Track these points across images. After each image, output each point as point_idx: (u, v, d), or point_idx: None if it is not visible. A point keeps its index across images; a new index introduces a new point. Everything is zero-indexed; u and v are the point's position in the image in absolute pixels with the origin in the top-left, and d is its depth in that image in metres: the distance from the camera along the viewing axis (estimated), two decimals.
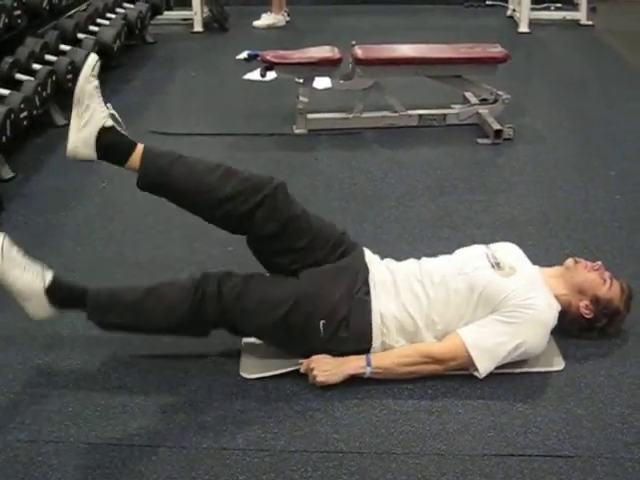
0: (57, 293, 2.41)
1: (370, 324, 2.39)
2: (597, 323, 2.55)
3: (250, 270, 2.52)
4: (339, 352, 2.39)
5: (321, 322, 2.36)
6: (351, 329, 2.38)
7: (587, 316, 2.53)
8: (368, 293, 2.43)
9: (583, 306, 2.52)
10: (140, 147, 2.42)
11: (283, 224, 2.40)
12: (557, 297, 2.49)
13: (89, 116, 2.36)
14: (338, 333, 2.38)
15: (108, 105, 2.41)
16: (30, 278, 2.37)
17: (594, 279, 2.54)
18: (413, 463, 2.11)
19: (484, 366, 2.37)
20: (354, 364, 2.38)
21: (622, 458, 2.12)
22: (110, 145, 2.39)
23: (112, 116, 2.40)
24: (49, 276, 2.41)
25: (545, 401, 2.34)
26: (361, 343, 2.40)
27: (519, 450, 2.15)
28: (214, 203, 2.40)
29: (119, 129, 2.40)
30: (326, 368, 2.37)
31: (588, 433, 2.21)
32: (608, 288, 2.53)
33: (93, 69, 2.37)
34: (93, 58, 2.39)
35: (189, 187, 2.42)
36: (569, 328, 2.56)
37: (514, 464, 2.10)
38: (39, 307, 2.41)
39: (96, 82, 2.38)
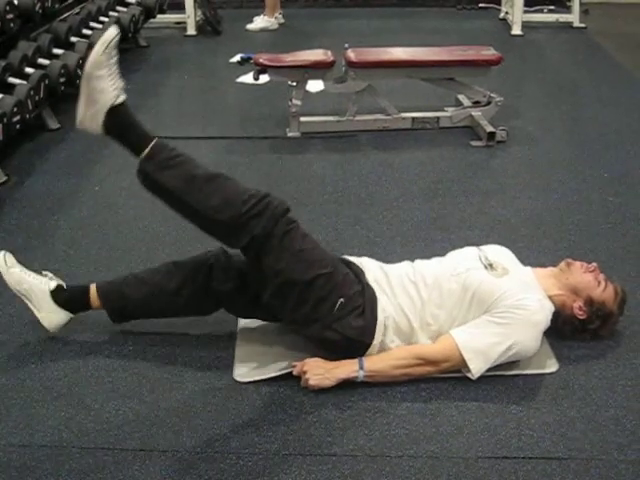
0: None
1: (376, 320, 2.40)
2: (590, 325, 2.56)
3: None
4: (342, 335, 2.36)
5: (340, 299, 2.36)
6: (362, 318, 2.38)
7: (580, 317, 2.54)
8: (375, 292, 2.44)
9: (577, 307, 2.53)
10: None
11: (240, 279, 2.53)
12: (551, 298, 2.49)
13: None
14: (349, 317, 2.37)
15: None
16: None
17: (589, 281, 2.55)
18: (407, 466, 2.11)
19: (477, 367, 2.37)
20: (347, 368, 2.38)
21: (616, 460, 2.12)
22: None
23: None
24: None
25: (539, 403, 2.34)
26: (365, 335, 2.39)
27: (513, 452, 2.15)
28: (172, 298, 2.57)
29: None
30: (318, 372, 2.37)
31: (582, 435, 2.21)
32: (602, 290, 2.54)
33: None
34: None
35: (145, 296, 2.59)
36: (562, 329, 2.56)
37: (508, 466, 2.10)
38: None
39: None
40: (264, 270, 2.37)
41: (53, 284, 2.60)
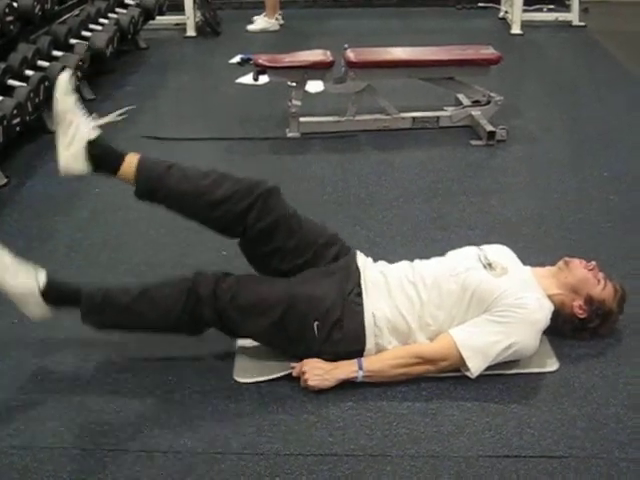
0: (51, 292, 2.45)
1: (363, 325, 2.40)
2: (590, 323, 2.55)
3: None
4: (334, 353, 2.39)
5: (315, 323, 2.37)
6: (344, 330, 2.38)
7: (580, 316, 2.54)
8: (360, 295, 2.43)
9: (577, 306, 2.53)
10: (131, 158, 2.44)
11: (274, 223, 2.42)
12: (550, 297, 2.49)
13: (74, 132, 2.39)
14: (332, 334, 2.38)
15: (93, 116, 2.44)
16: (24, 280, 2.42)
17: (588, 279, 2.55)
18: (408, 465, 2.11)
19: (476, 366, 2.37)
20: (346, 369, 2.38)
21: (617, 458, 2.12)
22: (99, 157, 2.42)
23: (99, 126, 2.43)
24: (42, 277, 2.45)
25: (540, 402, 2.34)
26: (355, 344, 2.40)
27: (514, 451, 2.15)
28: (209, 205, 2.42)
29: (104, 142, 2.43)
30: (318, 373, 2.37)
31: (583, 433, 2.21)
32: (602, 288, 2.54)
33: (67, 85, 2.40)
34: (66, 75, 2.42)
35: (185, 191, 2.44)
36: (562, 328, 2.56)
37: (509, 465, 2.10)
38: (36, 307, 2.46)
39: (74, 97, 2.42)
40: (243, 335, 2.53)
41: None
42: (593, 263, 2.60)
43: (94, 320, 2.50)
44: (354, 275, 2.48)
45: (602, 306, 2.53)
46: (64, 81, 2.40)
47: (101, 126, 2.45)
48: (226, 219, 2.44)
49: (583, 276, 2.55)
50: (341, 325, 2.38)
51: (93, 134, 2.41)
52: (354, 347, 2.40)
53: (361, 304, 2.42)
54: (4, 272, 2.40)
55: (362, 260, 2.58)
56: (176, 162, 2.49)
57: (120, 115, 2.51)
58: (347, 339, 2.39)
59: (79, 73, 4.76)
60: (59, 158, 2.42)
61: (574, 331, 2.57)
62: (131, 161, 2.43)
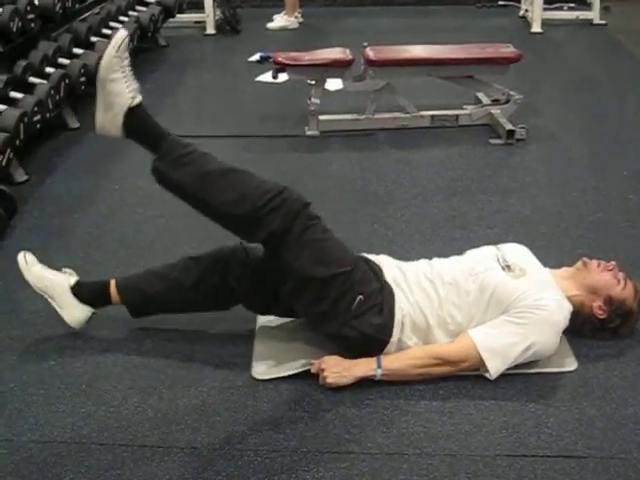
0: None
1: (394, 317, 2.39)
2: (610, 324, 2.54)
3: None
4: (361, 332, 2.36)
5: (359, 297, 2.35)
6: (381, 317, 2.37)
7: (600, 317, 2.52)
8: (392, 289, 2.44)
9: (596, 307, 2.51)
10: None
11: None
12: (570, 298, 2.47)
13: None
14: (367, 315, 2.36)
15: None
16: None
17: (608, 279, 2.53)
18: (425, 464, 2.11)
19: (495, 367, 2.36)
20: (364, 367, 2.38)
21: (635, 459, 2.11)
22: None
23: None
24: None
25: (558, 401, 2.33)
26: (383, 332, 2.39)
27: (531, 451, 2.14)
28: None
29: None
30: (336, 370, 2.37)
31: (601, 434, 2.20)
32: (622, 288, 2.52)
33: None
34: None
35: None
36: (582, 328, 2.55)
37: (526, 465, 2.09)
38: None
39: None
40: (283, 266, 2.36)
41: (73, 280, 2.62)
42: (613, 263, 2.58)
43: (165, 168, 2.37)
44: (379, 271, 2.50)
45: (622, 306, 2.52)
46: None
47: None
48: (213, 295, 2.58)
49: (602, 277, 2.54)
50: (379, 310, 2.38)
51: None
52: (381, 335, 2.39)
53: (394, 296, 2.42)
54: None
55: (381, 259, 2.59)
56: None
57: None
58: (380, 326, 2.38)
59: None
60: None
61: (594, 331, 2.56)
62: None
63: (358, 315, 2.36)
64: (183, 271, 2.60)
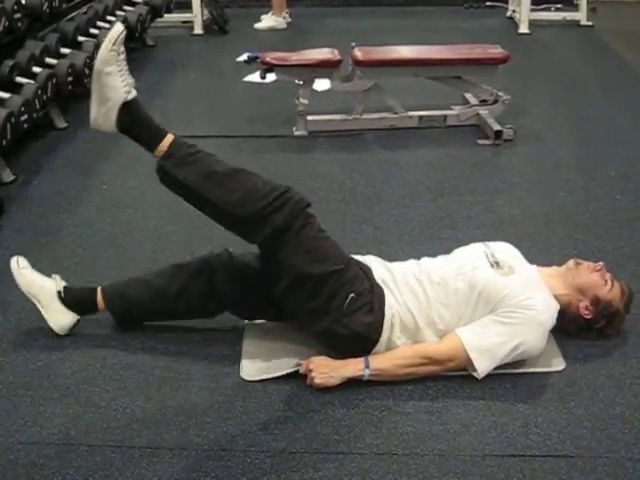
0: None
1: (384, 317, 2.40)
2: (596, 324, 2.55)
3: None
4: (347, 331, 2.36)
5: (351, 294, 2.36)
6: (371, 315, 2.38)
7: (586, 317, 2.53)
8: (382, 290, 2.45)
9: (583, 307, 2.52)
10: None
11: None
12: (557, 297, 2.48)
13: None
14: (358, 313, 2.37)
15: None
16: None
17: (595, 280, 2.54)
18: (414, 464, 2.11)
19: (483, 367, 2.37)
20: (352, 367, 2.38)
21: (623, 458, 2.12)
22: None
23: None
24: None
25: (546, 401, 2.34)
26: (373, 331, 2.39)
27: (520, 450, 2.15)
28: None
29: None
30: (324, 370, 2.37)
31: (589, 433, 2.21)
32: (609, 290, 2.53)
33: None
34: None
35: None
36: (568, 328, 2.56)
37: (515, 464, 2.10)
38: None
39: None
40: (279, 263, 2.38)
41: (61, 286, 2.62)
42: (600, 263, 2.59)
43: (171, 167, 2.38)
44: (368, 270, 2.51)
45: (608, 307, 2.53)
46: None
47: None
48: (198, 302, 2.57)
49: (590, 278, 2.55)
50: (370, 309, 2.39)
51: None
52: (371, 334, 2.39)
53: (384, 296, 2.43)
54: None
55: (369, 259, 2.60)
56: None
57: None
58: (368, 324, 2.38)
59: (87, 70, 4.77)
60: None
61: (580, 331, 2.57)
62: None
63: (349, 313, 2.37)
64: (168, 278, 2.60)
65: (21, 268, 2.63)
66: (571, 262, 2.61)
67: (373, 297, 2.41)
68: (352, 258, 2.53)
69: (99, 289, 2.63)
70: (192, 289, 2.56)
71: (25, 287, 2.61)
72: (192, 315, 2.65)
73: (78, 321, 2.63)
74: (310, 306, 2.39)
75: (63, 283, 2.64)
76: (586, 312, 2.53)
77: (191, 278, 2.57)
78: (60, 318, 2.61)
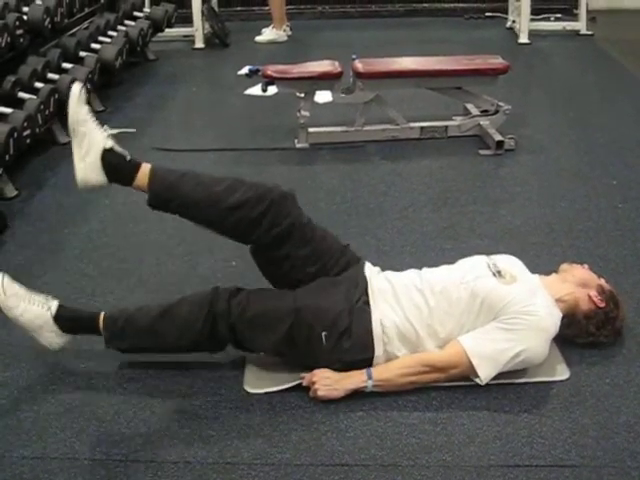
0: (65, 319, 2.50)
1: (371, 333, 2.40)
2: (610, 313, 2.55)
3: (254, 286, 2.54)
4: (344, 362, 2.39)
5: (323, 333, 2.37)
6: (353, 339, 2.38)
7: (600, 304, 2.53)
8: (367, 303, 2.44)
9: (594, 295, 2.54)
10: (145, 167, 2.46)
11: (287, 229, 2.43)
12: (564, 299, 2.51)
13: (88, 143, 2.41)
14: (341, 343, 2.38)
15: (105, 127, 2.47)
16: (37, 309, 2.46)
17: (590, 274, 2.63)
18: (419, 475, 2.11)
19: (485, 373, 2.37)
20: (355, 379, 2.39)
21: (629, 467, 2.11)
22: (114, 166, 2.43)
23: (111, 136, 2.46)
24: (54, 304, 2.50)
25: (550, 411, 2.34)
26: (363, 352, 2.40)
27: (525, 460, 2.14)
28: (224, 212, 2.43)
29: (119, 150, 2.45)
30: (327, 383, 2.37)
31: (594, 442, 2.20)
32: (605, 280, 2.62)
33: (79, 97, 2.42)
34: (77, 87, 2.43)
35: (199, 199, 2.45)
36: (585, 327, 2.55)
37: (520, 475, 2.10)
38: (52, 336, 2.50)
39: (86, 108, 2.44)
40: (254, 349, 2.54)
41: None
42: (585, 265, 2.67)
43: (118, 344, 2.54)
44: (361, 284, 2.49)
45: (612, 294, 2.57)
46: (76, 93, 2.42)
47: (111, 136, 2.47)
48: (241, 225, 2.45)
49: (585, 272, 2.63)
50: (349, 334, 2.38)
51: (108, 143, 2.43)
52: (363, 355, 2.40)
53: (369, 312, 2.42)
54: (18, 301, 2.44)
55: (369, 269, 2.59)
56: (188, 171, 2.51)
57: (124, 132, 2.53)
58: (356, 347, 2.39)
59: (89, 85, 4.79)
60: (76, 170, 2.43)
61: (598, 327, 2.55)
62: (144, 171, 2.45)
63: (332, 348, 2.39)
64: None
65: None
66: (564, 265, 2.68)
67: (351, 319, 2.39)
68: (329, 277, 2.53)
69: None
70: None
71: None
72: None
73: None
74: (297, 356, 2.46)
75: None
76: (599, 299, 2.53)
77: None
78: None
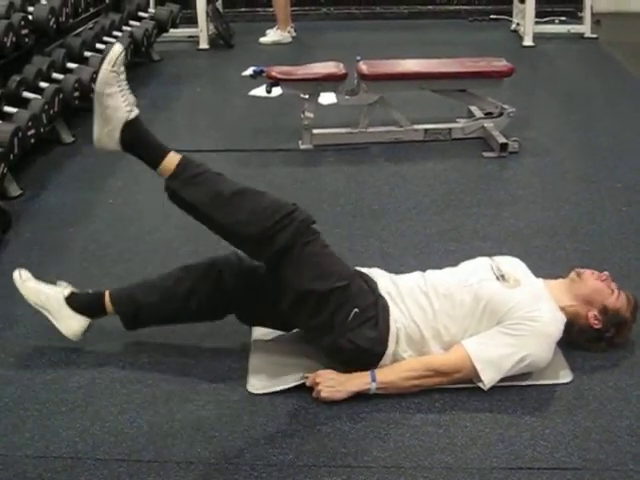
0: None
1: (389, 330, 2.40)
2: (606, 333, 2.55)
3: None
4: (352, 346, 2.36)
5: (355, 310, 2.36)
6: (374, 329, 2.38)
7: (596, 326, 2.53)
8: (386, 303, 2.44)
9: (592, 316, 2.52)
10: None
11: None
12: (564, 309, 2.49)
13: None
14: (362, 328, 2.37)
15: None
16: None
17: (602, 289, 2.55)
18: (421, 477, 2.10)
19: (489, 378, 2.37)
20: (359, 381, 2.38)
21: (631, 470, 2.11)
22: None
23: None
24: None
25: (553, 414, 2.33)
26: (378, 345, 2.39)
27: (527, 463, 2.14)
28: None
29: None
30: (330, 384, 2.37)
31: (597, 445, 2.20)
32: (616, 298, 2.53)
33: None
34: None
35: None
36: (577, 339, 2.55)
37: (522, 477, 2.09)
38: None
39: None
40: (283, 279, 2.39)
41: (67, 291, 2.61)
42: (606, 273, 2.60)
43: (177, 187, 2.40)
44: (373, 283, 2.50)
45: (617, 315, 2.53)
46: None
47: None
48: (206, 303, 2.56)
49: (596, 287, 2.55)
50: (375, 323, 2.38)
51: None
52: (373, 348, 2.39)
53: (388, 310, 2.42)
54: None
55: (375, 272, 2.60)
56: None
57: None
58: (373, 339, 2.38)
59: (93, 85, 4.79)
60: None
61: (589, 342, 2.57)
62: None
63: (353, 328, 2.36)
64: (176, 280, 2.59)
65: (24, 281, 2.62)
66: (573, 273, 2.62)
67: (378, 311, 2.41)
68: (357, 271, 2.53)
69: (107, 292, 2.61)
70: (200, 291, 2.55)
71: (32, 299, 2.61)
72: (200, 317, 2.63)
73: (89, 325, 2.61)
74: (314, 322, 2.41)
75: (70, 289, 2.62)
76: (595, 322, 2.52)
77: (199, 280, 2.56)
78: (71, 324, 2.59)
